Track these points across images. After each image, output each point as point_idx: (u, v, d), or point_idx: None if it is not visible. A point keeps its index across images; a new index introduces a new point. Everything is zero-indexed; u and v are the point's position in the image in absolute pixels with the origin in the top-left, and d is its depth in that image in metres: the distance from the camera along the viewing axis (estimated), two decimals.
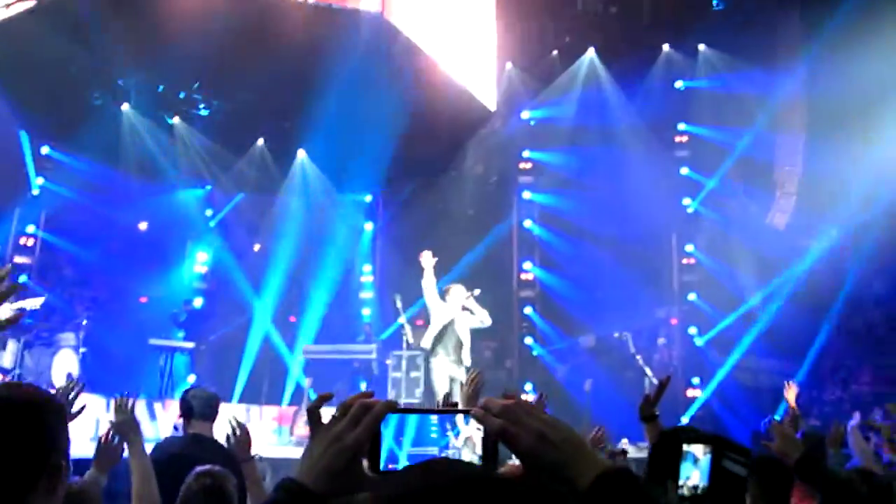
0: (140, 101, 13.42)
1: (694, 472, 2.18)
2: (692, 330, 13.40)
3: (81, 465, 3.10)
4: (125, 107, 13.42)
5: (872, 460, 5.10)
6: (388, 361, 11.73)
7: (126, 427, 3.08)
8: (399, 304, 10.13)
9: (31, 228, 13.50)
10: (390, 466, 1.17)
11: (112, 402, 3.10)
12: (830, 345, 12.73)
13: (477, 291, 9.21)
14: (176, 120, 14.11)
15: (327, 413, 1.23)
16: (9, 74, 11.28)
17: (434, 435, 8.98)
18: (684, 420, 11.65)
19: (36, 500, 1.60)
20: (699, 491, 2.09)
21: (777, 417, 7.39)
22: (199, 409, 4.62)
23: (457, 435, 6.88)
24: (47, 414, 1.66)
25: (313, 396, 11.50)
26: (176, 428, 3.95)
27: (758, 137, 12.70)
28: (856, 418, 6.39)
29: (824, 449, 4.97)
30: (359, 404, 1.13)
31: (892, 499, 3.78)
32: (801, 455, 3.77)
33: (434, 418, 7.01)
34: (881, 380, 12.71)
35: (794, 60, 12.51)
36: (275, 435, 11.43)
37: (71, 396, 3.09)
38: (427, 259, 8.88)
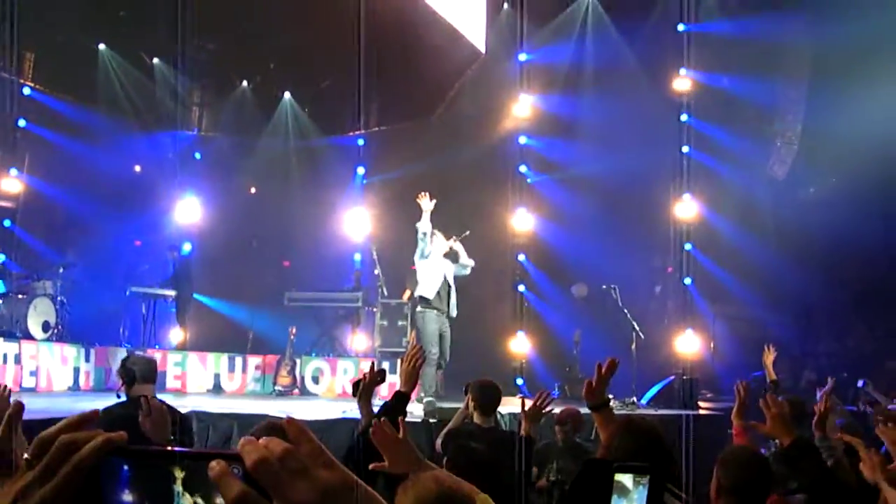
0: (118, 41, 13.01)
1: None
2: (687, 280, 13.11)
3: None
4: (102, 46, 13.00)
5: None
6: (375, 309, 11.49)
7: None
8: (375, 255, 9.81)
9: (13, 172, 13.19)
10: None
11: None
12: (825, 297, 12.49)
13: (466, 233, 8.80)
14: (156, 61, 13.69)
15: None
16: None
17: None
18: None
19: None
20: None
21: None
22: (140, 374, 4.75)
23: None
24: None
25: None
26: (118, 395, 3.98)
27: (759, 85, 12.23)
28: (829, 385, 5.50)
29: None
30: (58, 444, 0.76)
31: None
32: (792, 441, 3.24)
33: None
34: (878, 333, 12.49)
35: (799, 5, 12.00)
36: (257, 384, 11.33)
37: None
38: (426, 202, 8.52)
